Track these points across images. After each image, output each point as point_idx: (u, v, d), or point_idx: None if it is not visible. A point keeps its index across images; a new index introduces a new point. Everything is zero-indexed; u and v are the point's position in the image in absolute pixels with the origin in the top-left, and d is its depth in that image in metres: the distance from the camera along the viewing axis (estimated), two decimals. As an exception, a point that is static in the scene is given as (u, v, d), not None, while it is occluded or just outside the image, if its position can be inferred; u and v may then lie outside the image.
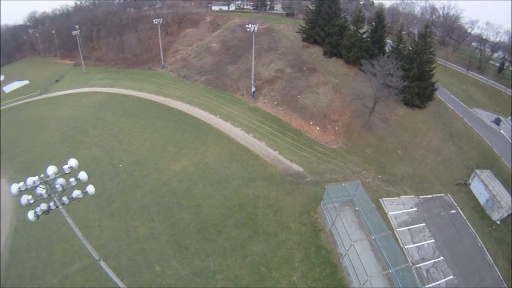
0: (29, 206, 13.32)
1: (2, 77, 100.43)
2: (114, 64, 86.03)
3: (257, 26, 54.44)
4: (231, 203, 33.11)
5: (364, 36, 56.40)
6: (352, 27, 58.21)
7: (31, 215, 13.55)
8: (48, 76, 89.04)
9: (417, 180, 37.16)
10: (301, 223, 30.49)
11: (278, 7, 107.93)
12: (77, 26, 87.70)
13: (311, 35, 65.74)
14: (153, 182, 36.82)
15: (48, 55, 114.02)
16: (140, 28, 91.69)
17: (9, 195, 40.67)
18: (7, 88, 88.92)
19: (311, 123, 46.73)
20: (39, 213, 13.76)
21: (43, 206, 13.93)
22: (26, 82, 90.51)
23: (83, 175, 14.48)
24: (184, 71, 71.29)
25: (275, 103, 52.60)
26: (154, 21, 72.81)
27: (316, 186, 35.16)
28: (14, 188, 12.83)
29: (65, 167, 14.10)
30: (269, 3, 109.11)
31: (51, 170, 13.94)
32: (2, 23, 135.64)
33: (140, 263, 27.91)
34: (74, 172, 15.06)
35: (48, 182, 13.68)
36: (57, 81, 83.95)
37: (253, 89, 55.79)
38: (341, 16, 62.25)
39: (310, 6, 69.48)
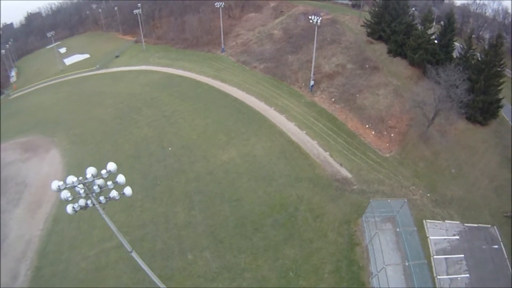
0: (68, 201, 15.54)
1: (64, 49, 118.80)
2: (174, 44, 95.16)
3: (321, 17, 57.07)
4: (272, 202, 36.00)
5: (431, 37, 56.82)
6: (419, 27, 59.04)
7: (69, 209, 15.87)
8: (108, 51, 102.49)
9: (466, 204, 37.42)
10: (339, 233, 32.49)
11: None
12: (139, 4, 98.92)
13: (376, 31, 67.47)
14: (199, 169, 41.40)
15: (110, 30, 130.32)
16: (203, 10, 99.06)
17: (59, 167, 49.81)
18: (68, 61, 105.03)
19: (367, 126, 48.20)
20: (77, 209, 16.07)
21: (81, 202, 16.17)
22: (87, 55, 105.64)
23: (121, 178, 16.75)
24: (244, 57, 76.26)
25: (333, 100, 54.58)
26: (216, 4, 79.22)
27: (362, 195, 36.64)
28: (55, 185, 15.06)
29: (103, 171, 16.12)
30: None
31: (90, 171, 16.02)
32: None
33: (174, 248, 32.30)
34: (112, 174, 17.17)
35: (86, 184, 15.85)
36: (117, 56, 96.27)
37: (312, 82, 58.09)
38: (409, 13, 63.53)
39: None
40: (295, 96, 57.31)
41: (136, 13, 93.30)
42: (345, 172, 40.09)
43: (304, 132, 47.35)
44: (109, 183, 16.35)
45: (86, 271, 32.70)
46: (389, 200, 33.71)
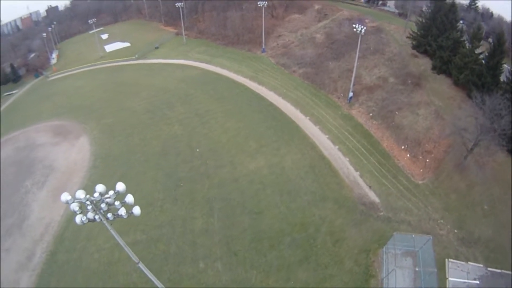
0: (77, 213, 16.69)
1: (106, 36, 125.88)
2: (215, 39, 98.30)
3: (366, 24, 58.06)
4: (294, 220, 36.62)
5: (479, 57, 55.31)
6: (467, 45, 57.70)
7: (78, 219, 16.89)
8: (149, 41, 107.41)
9: (492, 246, 36.01)
10: (356, 261, 32.47)
11: (391, 4, 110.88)
12: None
13: (422, 44, 66.74)
14: (224, 175, 42.88)
15: (152, 20, 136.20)
16: (246, 7, 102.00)
17: (86, 155, 53.11)
18: (108, 48, 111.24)
19: (402, 147, 47.85)
20: (85, 222, 17.02)
21: (90, 215, 17.06)
22: (127, 44, 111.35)
23: (129, 198, 17.36)
24: (284, 59, 77.58)
25: (370, 114, 54.53)
26: (259, 3, 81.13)
27: (387, 224, 36.42)
28: (64, 197, 16.36)
29: (110, 193, 16.90)
30: None
31: (99, 189, 16.91)
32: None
33: (187, 254, 33.87)
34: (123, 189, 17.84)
35: (94, 202, 16.80)
36: (156, 48, 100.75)
37: (351, 94, 58.24)
38: (458, 28, 62.42)
39: (425, 10, 70.10)
40: (332, 106, 57.73)
41: (178, 6, 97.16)
42: (373, 196, 40.00)
43: (337, 147, 47.60)
44: (117, 203, 17.21)
45: (98, 263, 34.99)
46: (413, 235, 33.50)
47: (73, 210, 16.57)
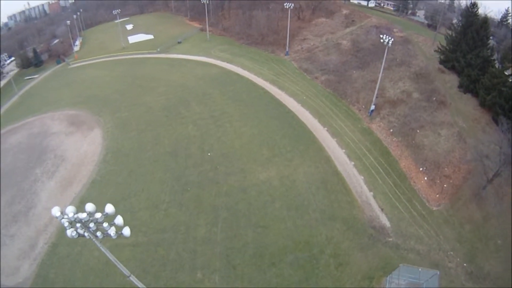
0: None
1: (131, 26, 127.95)
2: (239, 38, 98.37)
3: (394, 33, 56.94)
4: (299, 237, 35.95)
5: (509, 80, 53.36)
6: (497, 64, 55.97)
7: (69, 233, 17.74)
8: (172, 35, 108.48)
9: (500, 283, 34.90)
10: None
11: (420, 14, 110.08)
12: None
13: (450, 59, 65.11)
14: (233, 183, 42.59)
15: (178, 14, 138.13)
16: (272, 7, 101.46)
17: (98, 148, 53.83)
18: (132, 39, 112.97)
19: (420, 169, 46.51)
20: (75, 236, 17.90)
21: (80, 231, 17.91)
22: (151, 36, 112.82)
23: (119, 220, 18.00)
24: (307, 64, 76.89)
25: (391, 130, 53.38)
26: (285, 5, 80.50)
27: (394, 251, 35.47)
28: (55, 211, 17.53)
29: (98, 215, 17.64)
30: (411, 5, 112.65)
31: (89, 208, 17.63)
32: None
33: (186, 262, 33.87)
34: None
35: (83, 221, 17.55)
36: (179, 42, 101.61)
37: (373, 107, 57.07)
38: (488, 46, 60.42)
39: (454, 23, 68.51)
40: (352, 118, 56.76)
41: (204, 3, 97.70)
42: (384, 220, 39.05)
43: (353, 163, 46.67)
44: (106, 224, 17.89)
45: (97, 260, 35.39)
46: (419, 269, 32.81)
47: (64, 225, 17.41)
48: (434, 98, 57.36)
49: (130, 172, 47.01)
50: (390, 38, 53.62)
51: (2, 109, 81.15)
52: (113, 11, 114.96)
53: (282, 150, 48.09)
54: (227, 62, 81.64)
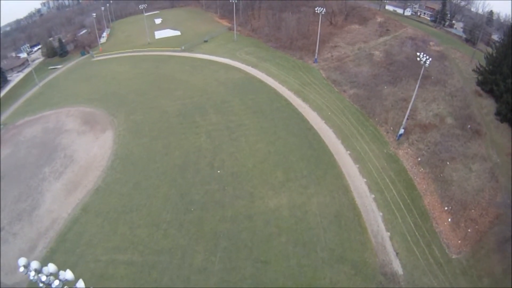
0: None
1: (159, 20, 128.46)
2: (267, 40, 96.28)
3: (430, 52, 54.58)
4: (301, 279, 33.64)
5: None
6: None
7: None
8: (200, 33, 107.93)
9: None
10: None
11: (458, 26, 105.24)
12: None
13: (488, 82, 60.45)
14: (239, 209, 40.57)
15: (209, 10, 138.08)
16: (304, 10, 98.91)
17: (107, 153, 53.47)
18: (158, 34, 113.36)
19: (445, 208, 43.14)
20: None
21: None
22: (178, 32, 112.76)
23: (80, 285, 17.87)
24: (336, 74, 73.90)
25: (419, 159, 50.03)
26: (316, 9, 77.70)
27: None
28: (20, 262, 17.86)
29: (55, 283, 17.66)
30: (449, 15, 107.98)
31: (50, 269, 17.82)
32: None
33: None
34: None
35: (41, 279, 17.74)
36: (205, 41, 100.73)
37: (402, 131, 53.76)
38: None
39: (496, 41, 64.12)
40: (378, 142, 53.62)
41: (233, 1, 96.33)
42: (397, 266, 36.05)
43: (373, 196, 43.58)
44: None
45: (91, 274, 35.44)
46: None
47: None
48: (469, 126, 54.20)
49: (135, 183, 46.17)
50: (427, 57, 50.45)
51: (23, 98, 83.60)
52: (140, 6, 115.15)
53: (297, 174, 45.63)
54: (252, 67, 79.88)
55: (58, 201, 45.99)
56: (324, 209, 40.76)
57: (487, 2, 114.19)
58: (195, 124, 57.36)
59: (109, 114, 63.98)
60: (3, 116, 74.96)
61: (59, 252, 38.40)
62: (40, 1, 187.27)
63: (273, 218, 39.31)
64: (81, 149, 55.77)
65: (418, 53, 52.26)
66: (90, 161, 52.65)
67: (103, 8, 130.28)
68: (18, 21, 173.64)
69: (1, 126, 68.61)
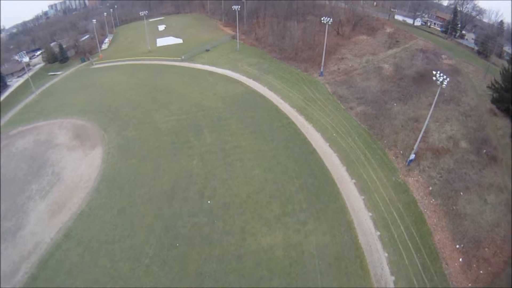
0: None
1: (163, 27, 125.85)
2: (271, 51, 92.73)
3: (441, 64, 52.84)
4: None
5: None
6: None
7: None
8: (202, 41, 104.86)
9: None
10: None
11: (469, 37, 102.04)
12: None
13: (505, 100, 56.58)
14: (228, 247, 36.84)
15: (213, 17, 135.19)
16: (310, 19, 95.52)
17: (94, 173, 50.37)
18: (160, 41, 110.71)
19: (457, 246, 39.35)
20: None
21: None
22: (180, 40, 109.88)
23: None
24: (342, 89, 70.25)
25: (430, 188, 46.08)
26: (322, 19, 74.38)
27: None
28: None
29: None
30: (459, 26, 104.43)
31: None
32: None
33: None
34: None
35: None
36: (207, 50, 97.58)
37: (413, 156, 49.95)
38: None
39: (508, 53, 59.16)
40: (386, 168, 49.61)
41: (235, 9, 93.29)
42: None
43: (378, 233, 39.66)
44: None
45: None
46: None
47: None
48: (484, 151, 50.17)
49: (120, 210, 43.05)
50: (444, 76, 46.87)
51: (20, 105, 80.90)
52: (140, 13, 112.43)
53: (295, 207, 41.78)
54: (254, 79, 76.54)
55: (42, 223, 43.46)
56: (323, 249, 36.88)
57: (500, 12, 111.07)
58: (188, 144, 53.87)
59: (101, 129, 60.97)
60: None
61: (40, 279, 36.41)
62: (48, 3, 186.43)
63: (265, 258, 35.50)
64: (69, 166, 52.89)
65: (434, 72, 48.60)
66: (76, 180, 49.75)
67: (105, 13, 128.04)
68: (24, 23, 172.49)
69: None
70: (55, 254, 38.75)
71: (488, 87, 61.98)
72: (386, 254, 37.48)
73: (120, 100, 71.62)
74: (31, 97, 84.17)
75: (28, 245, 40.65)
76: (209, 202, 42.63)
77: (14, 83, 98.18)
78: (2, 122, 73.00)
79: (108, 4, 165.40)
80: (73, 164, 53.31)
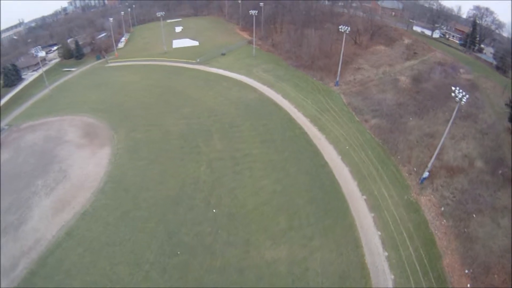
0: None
1: (180, 29, 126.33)
2: (287, 58, 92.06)
3: (459, 79, 52.11)
4: None
5: None
6: None
7: None
8: (218, 44, 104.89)
9: None
10: None
11: (487, 52, 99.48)
12: (262, 3, 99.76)
13: None
14: (231, 258, 35.90)
15: (231, 21, 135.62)
16: (327, 27, 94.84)
17: (100, 173, 50.08)
18: (176, 43, 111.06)
19: (466, 271, 37.60)
20: None
21: None
22: (196, 43, 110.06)
23: None
24: (358, 101, 69.04)
25: (442, 209, 44.53)
26: (340, 28, 73.88)
27: None
28: None
29: None
30: (478, 39, 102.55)
31: None
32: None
33: None
34: None
35: None
36: (223, 54, 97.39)
37: (426, 174, 48.34)
38: None
39: None
40: (399, 185, 48.04)
41: (252, 14, 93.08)
42: None
43: (386, 254, 38.12)
44: None
45: None
46: None
47: None
48: (500, 172, 48.67)
49: (123, 212, 42.47)
50: (463, 92, 45.67)
51: (33, 99, 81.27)
52: (157, 14, 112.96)
53: (302, 222, 40.61)
54: (268, 86, 76.00)
55: (45, 220, 43.09)
56: (328, 267, 35.52)
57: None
58: (196, 149, 53.35)
59: (111, 128, 60.99)
60: (12, 116, 72.69)
61: (39, 276, 35.95)
62: (68, 0, 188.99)
63: (268, 273, 34.36)
64: (76, 164, 52.69)
65: (453, 87, 47.52)
66: (82, 179, 49.37)
67: (122, 12, 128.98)
68: (43, 18, 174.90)
69: (6, 127, 66.34)
70: (55, 252, 38.35)
71: (506, 104, 60.78)
72: (393, 276, 36.01)
73: (132, 101, 71.68)
74: (44, 91, 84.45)
75: (29, 241, 40.38)
76: (214, 211, 41.82)
77: (29, 76, 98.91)
78: (15, 114, 73.51)
79: (127, 4, 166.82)
80: (80, 162, 53.09)
